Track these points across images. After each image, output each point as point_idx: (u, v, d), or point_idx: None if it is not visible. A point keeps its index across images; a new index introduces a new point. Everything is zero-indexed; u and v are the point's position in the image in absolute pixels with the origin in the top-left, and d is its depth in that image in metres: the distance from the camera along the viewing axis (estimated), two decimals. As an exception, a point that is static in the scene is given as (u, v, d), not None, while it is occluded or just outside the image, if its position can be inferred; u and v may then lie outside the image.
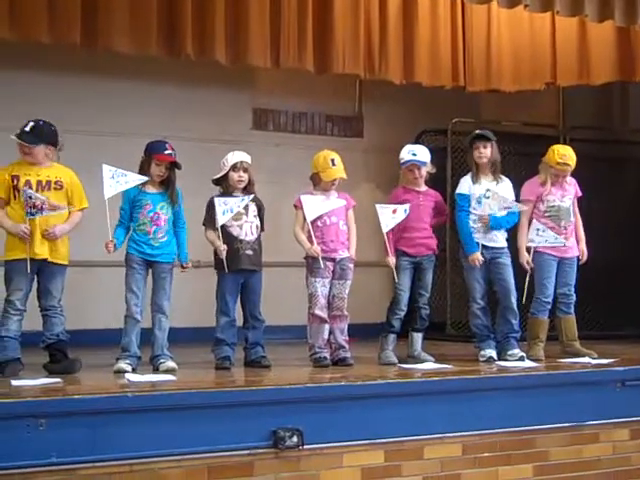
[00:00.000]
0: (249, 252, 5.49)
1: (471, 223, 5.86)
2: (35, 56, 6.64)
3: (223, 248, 5.38)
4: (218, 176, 5.58)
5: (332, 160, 5.60)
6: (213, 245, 5.46)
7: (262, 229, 5.63)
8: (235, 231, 5.49)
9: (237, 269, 5.45)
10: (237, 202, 5.42)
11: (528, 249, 5.90)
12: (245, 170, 5.53)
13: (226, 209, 5.36)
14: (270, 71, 7.27)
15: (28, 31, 6.14)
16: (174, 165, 5.34)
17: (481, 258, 5.75)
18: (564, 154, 6.00)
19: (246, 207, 5.52)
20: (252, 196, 5.50)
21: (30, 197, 4.95)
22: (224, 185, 5.58)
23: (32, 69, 6.82)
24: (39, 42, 6.20)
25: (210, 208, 5.50)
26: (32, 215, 4.95)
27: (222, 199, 5.41)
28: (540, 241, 5.86)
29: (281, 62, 7.01)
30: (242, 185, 5.54)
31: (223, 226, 5.41)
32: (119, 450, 4.14)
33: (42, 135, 5.08)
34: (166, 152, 5.33)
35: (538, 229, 5.87)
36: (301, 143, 7.73)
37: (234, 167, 5.52)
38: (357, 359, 5.61)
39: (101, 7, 6.36)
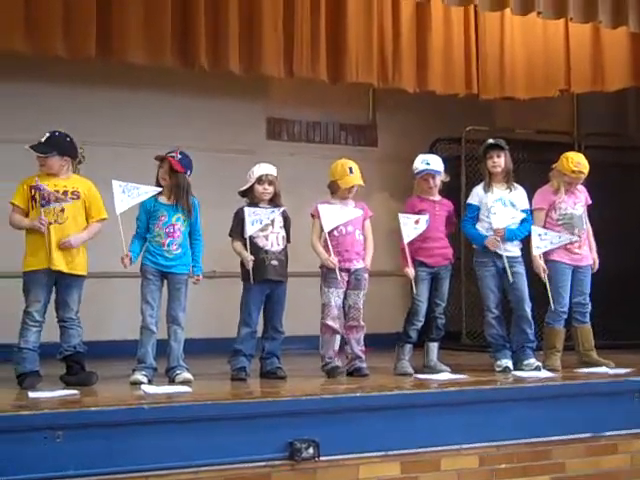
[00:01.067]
0: (275, 262, 5.49)
1: (484, 232, 5.85)
2: (52, 68, 6.67)
3: (250, 259, 5.39)
4: (244, 188, 5.60)
5: (350, 168, 5.61)
6: (240, 256, 5.46)
7: (288, 240, 5.63)
8: (261, 242, 5.50)
9: (263, 279, 5.46)
10: (267, 214, 5.43)
11: (539, 256, 5.86)
12: (270, 183, 5.55)
13: (255, 219, 5.38)
14: (284, 81, 7.29)
15: (43, 44, 6.18)
16: (175, 170, 5.32)
17: (498, 239, 5.71)
18: (578, 162, 5.98)
19: (272, 219, 5.53)
20: (282, 209, 5.51)
21: (40, 189, 4.99)
22: (250, 197, 5.59)
23: (49, 81, 6.84)
24: (54, 55, 6.24)
25: (237, 218, 5.50)
26: (42, 206, 4.98)
27: (252, 209, 5.42)
28: (545, 245, 5.83)
29: (295, 72, 7.02)
30: (267, 197, 5.56)
31: (250, 237, 5.42)
32: (136, 462, 4.15)
33: (56, 145, 5.12)
34: (169, 154, 5.33)
35: (539, 234, 5.83)
36: (315, 152, 7.74)
37: (259, 180, 5.54)
38: (372, 369, 5.61)
39: (115, 19, 6.39)
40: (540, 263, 5.84)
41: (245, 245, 5.44)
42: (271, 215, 5.44)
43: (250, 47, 6.83)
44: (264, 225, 5.42)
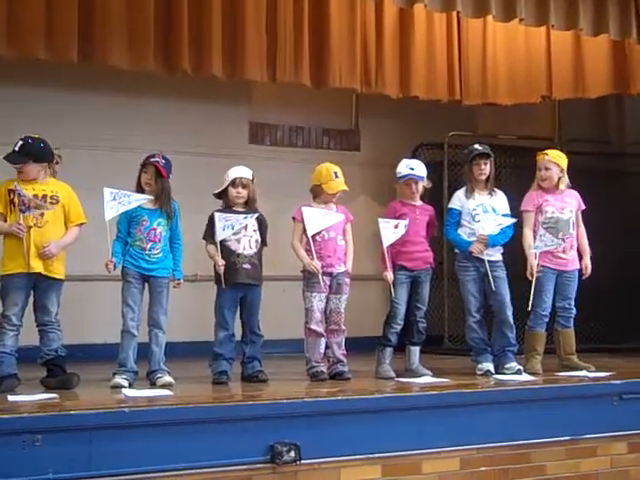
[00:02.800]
0: (247, 266, 5.48)
1: (465, 237, 5.87)
2: (33, 72, 6.65)
3: (221, 264, 5.39)
4: (218, 191, 5.60)
5: (335, 173, 5.63)
6: (212, 259, 5.47)
7: (264, 244, 5.63)
8: (233, 245, 5.48)
9: (234, 283, 5.45)
10: (239, 219, 5.42)
11: (534, 256, 5.87)
12: (244, 186, 5.54)
13: (226, 225, 5.36)
14: (267, 85, 7.31)
15: (25, 48, 6.17)
16: (160, 173, 5.32)
17: (481, 245, 5.74)
18: (542, 151, 6.03)
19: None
20: (256, 215, 5.49)
21: (19, 194, 4.97)
22: (224, 200, 5.59)
23: (30, 85, 6.82)
24: (36, 58, 6.22)
25: (211, 222, 5.50)
26: (23, 212, 4.96)
27: (223, 215, 5.41)
28: (540, 246, 5.85)
29: (278, 76, 7.04)
30: (240, 201, 5.55)
31: (222, 240, 5.42)
32: (116, 466, 4.12)
33: (30, 153, 5.07)
34: (152, 159, 5.33)
35: (541, 235, 5.86)
36: (298, 157, 7.76)
37: (233, 183, 5.54)
38: (354, 373, 5.61)
39: (98, 23, 6.38)
40: (534, 264, 5.83)
41: (217, 249, 5.43)
42: (243, 221, 5.42)
43: (233, 52, 6.84)
44: (235, 230, 5.41)
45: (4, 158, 5.03)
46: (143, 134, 7.10)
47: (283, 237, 5.73)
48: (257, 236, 5.57)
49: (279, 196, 6.95)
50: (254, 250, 5.54)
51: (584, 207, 6.15)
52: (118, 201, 5.14)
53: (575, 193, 6.17)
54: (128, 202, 5.18)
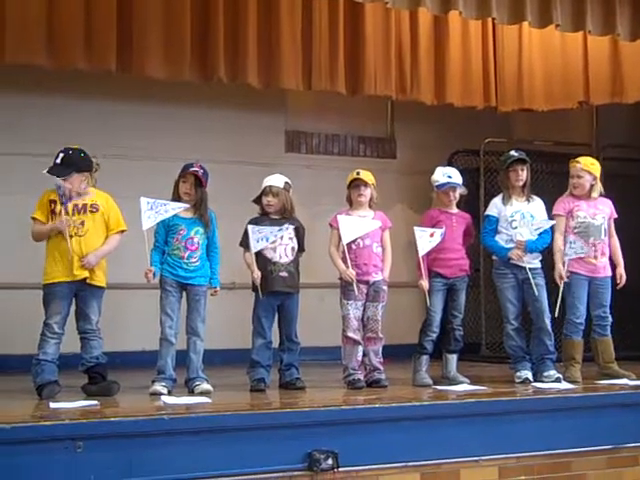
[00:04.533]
0: (284, 274, 5.50)
1: (503, 244, 5.85)
2: (67, 82, 6.74)
3: (257, 275, 5.41)
4: (253, 198, 5.64)
5: (357, 172, 5.65)
6: (249, 269, 5.49)
7: (302, 249, 5.64)
8: (269, 254, 5.51)
9: (271, 291, 5.47)
10: (274, 231, 5.42)
11: (563, 263, 5.83)
12: (275, 195, 5.55)
13: (260, 237, 5.37)
14: (302, 93, 7.32)
15: (65, 58, 6.26)
16: (199, 183, 5.36)
17: (519, 251, 5.71)
18: (575, 159, 6.01)
19: (280, 229, 5.54)
20: (290, 227, 5.49)
21: (59, 187, 5.02)
22: (260, 207, 5.63)
23: (65, 95, 6.91)
24: (75, 69, 6.31)
25: (247, 231, 5.54)
26: (62, 204, 5.02)
27: (256, 227, 5.41)
28: (571, 253, 5.81)
29: (313, 84, 7.06)
30: (272, 209, 5.57)
31: (261, 250, 5.43)
32: (155, 472, 4.15)
33: (73, 164, 5.13)
34: (191, 169, 5.37)
35: (570, 242, 5.83)
36: (334, 165, 7.76)
37: (264, 191, 5.57)
38: (391, 381, 5.61)
39: (135, 34, 6.46)
40: (562, 270, 5.79)
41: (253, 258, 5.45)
42: (278, 233, 5.42)
43: (269, 60, 6.88)
44: (270, 242, 5.42)
45: (48, 172, 5.08)
46: (179, 143, 7.16)
47: (320, 245, 5.74)
48: (293, 244, 5.59)
49: (316, 204, 6.98)
50: (290, 258, 5.55)
51: (616, 216, 6.10)
52: (155, 210, 5.19)
53: (608, 201, 6.13)
54: (165, 211, 5.23)
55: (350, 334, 5.51)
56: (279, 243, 5.53)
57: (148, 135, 7.23)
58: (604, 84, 7.61)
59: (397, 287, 6.41)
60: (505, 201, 5.94)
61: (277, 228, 5.44)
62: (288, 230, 5.52)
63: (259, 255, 5.47)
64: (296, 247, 5.61)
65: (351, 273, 5.48)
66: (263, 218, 5.59)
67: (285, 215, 5.61)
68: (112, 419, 4.20)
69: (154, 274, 5.25)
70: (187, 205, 5.34)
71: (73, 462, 3.99)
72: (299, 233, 5.64)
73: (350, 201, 5.71)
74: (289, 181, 5.65)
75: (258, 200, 5.63)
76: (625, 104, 7.63)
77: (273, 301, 5.52)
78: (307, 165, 7.75)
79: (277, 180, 5.60)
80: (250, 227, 5.41)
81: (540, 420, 5.01)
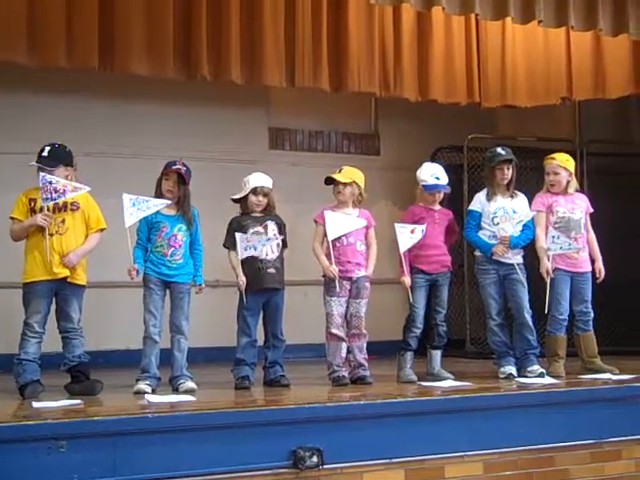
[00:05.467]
0: (271, 270, 5.50)
1: (486, 239, 5.86)
2: (49, 79, 6.69)
3: (242, 282, 5.39)
4: (238, 196, 5.62)
5: (340, 169, 5.65)
6: (234, 271, 5.46)
7: (285, 246, 5.64)
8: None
9: (260, 289, 5.46)
10: (262, 241, 5.41)
11: (547, 258, 5.85)
12: (265, 195, 5.56)
13: (248, 246, 5.36)
14: (286, 90, 7.31)
15: (46, 56, 6.21)
16: (182, 180, 5.34)
17: (504, 247, 5.73)
18: (550, 155, 6.05)
19: (265, 226, 5.54)
20: (275, 239, 5.48)
21: (50, 182, 4.96)
22: (242, 206, 5.61)
23: (47, 92, 6.86)
24: (57, 67, 6.27)
25: (230, 229, 5.52)
26: (53, 200, 4.97)
27: (244, 236, 5.39)
28: (555, 248, 5.83)
29: (296, 81, 7.04)
30: (259, 209, 5.58)
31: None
32: (140, 471, 4.14)
33: (61, 158, 5.15)
34: (174, 167, 5.35)
35: (554, 236, 5.85)
36: (318, 162, 7.75)
37: (254, 191, 5.55)
38: (376, 377, 5.61)
39: (118, 30, 6.42)
40: (547, 266, 5.82)
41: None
42: (266, 243, 5.42)
43: (251, 57, 6.86)
44: (258, 252, 5.40)
45: (38, 162, 5.06)
46: (162, 141, 7.13)
47: (304, 242, 5.74)
48: (278, 240, 5.59)
49: (299, 201, 6.96)
50: (276, 254, 5.55)
51: (592, 210, 6.13)
52: (137, 207, 5.16)
53: (584, 196, 6.19)
54: (147, 207, 5.20)
55: (334, 331, 5.51)
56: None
57: (130, 132, 7.19)
58: (586, 80, 7.64)
59: (381, 284, 6.41)
60: (489, 197, 5.96)
61: (265, 238, 5.45)
62: (270, 222, 5.52)
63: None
64: (281, 243, 5.60)
65: (334, 269, 5.48)
66: (244, 217, 5.58)
67: (268, 213, 5.60)
68: (95, 418, 4.19)
69: (137, 272, 5.22)
70: (170, 202, 5.32)
71: (56, 462, 3.97)
72: (282, 230, 5.64)
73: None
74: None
75: (242, 199, 5.60)
76: (607, 100, 7.66)
77: (259, 299, 5.51)
78: (291, 162, 7.73)
79: (267, 180, 5.61)
80: (238, 236, 5.38)
81: (524, 415, 5.03)
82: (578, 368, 5.99)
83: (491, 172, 5.97)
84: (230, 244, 5.50)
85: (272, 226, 5.57)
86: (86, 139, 6.60)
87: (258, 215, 5.58)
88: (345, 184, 5.61)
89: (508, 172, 5.90)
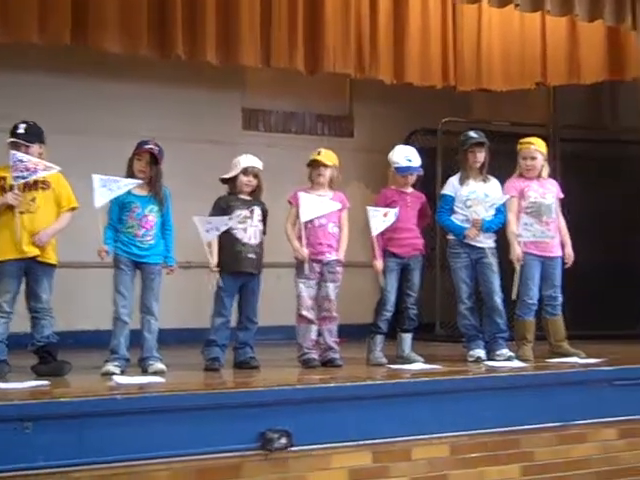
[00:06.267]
0: (251, 255, 5.49)
1: (459, 223, 5.88)
2: (21, 57, 6.61)
3: (215, 268, 5.36)
4: (227, 176, 5.59)
5: (319, 152, 5.64)
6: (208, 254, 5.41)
7: (264, 233, 5.63)
8: (239, 234, 5.48)
9: (238, 271, 5.45)
10: (223, 220, 5.37)
11: (518, 244, 5.88)
12: (255, 176, 5.55)
13: (210, 227, 5.32)
14: (260, 71, 7.28)
15: (18, 32, 6.14)
16: (155, 160, 5.30)
17: (476, 230, 5.76)
18: (526, 140, 6.07)
19: (252, 211, 5.53)
20: (235, 219, 5.42)
21: (21, 160, 4.91)
22: (231, 186, 5.59)
23: (17, 69, 6.77)
24: (29, 43, 6.19)
25: (217, 207, 5.51)
26: (24, 178, 4.92)
27: (205, 218, 5.35)
28: (528, 235, 5.86)
29: (271, 62, 7.02)
30: (249, 189, 5.56)
31: (229, 229, 5.40)
32: (107, 453, 4.12)
33: (37, 135, 5.11)
34: (147, 146, 5.31)
35: (526, 223, 5.88)
36: (292, 143, 7.73)
37: (245, 171, 5.53)
38: (346, 360, 5.62)
39: (91, 7, 6.36)
40: (518, 251, 5.85)
41: (219, 239, 5.40)
42: (229, 222, 5.38)
43: (227, 37, 6.82)
44: (221, 232, 5.37)
45: (17, 136, 4.99)
46: (135, 120, 7.07)
47: (277, 224, 5.72)
48: (262, 226, 5.58)
49: (273, 182, 6.88)
50: (259, 240, 5.55)
51: (562, 196, 6.16)
52: (108, 187, 5.11)
53: (554, 181, 6.22)
54: (118, 187, 5.15)
55: (304, 313, 5.52)
56: (250, 224, 5.51)
57: (103, 112, 7.11)
58: (561, 65, 7.67)
59: (353, 267, 6.41)
60: (462, 181, 5.97)
61: (227, 218, 5.39)
62: (256, 207, 5.51)
63: (229, 235, 5.43)
64: (263, 230, 5.60)
65: (304, 252, 5.48)
66: (232, 197, 5.56)
67: (255, 196, 5.59)
68: (62, 399, 4.16)
69: (107, 252, 5.19)
70: (140, 182, 5.27)
71: (21, 443, 3.93)
72: (265, 217, 5.63)
73: (311, 180, 5.69)
74: None
75: (231, 179, 5.57)
76: (582, 85, 7.70)
77: (237, 281, 5.50)
78: (265, 143, 7.69)
79: (257, 161, 5.60)
80: (197, 219, 5.31)
81: (492, 398, 5.07)
82: (546, 352, 6.04)
83: (464, 155, 5.98)
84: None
85: (258, 212, 5.56)
86: (58, 118, 6.52)
87: (246, 198, 5.56)
88: (327, 166, 5.61)
89: (480, 155, 5.91)
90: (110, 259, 5.28)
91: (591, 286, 7.59)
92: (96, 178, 5.12)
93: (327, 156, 5.65)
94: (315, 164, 5.62)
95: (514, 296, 5.85)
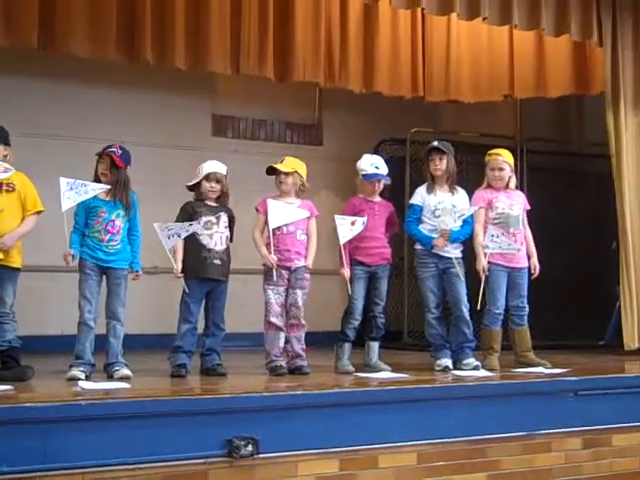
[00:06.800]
0: (217, 262, 5.46)
1: (426, 233, 5.91)
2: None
3: (178, 274, 5.34)
4: (191, 183, 5.57)
5: (282, 159, 5.64)
6: (172, 260, 5.38)
7: (231, 240, 5.61)
8: (205, 240, 5.45)
9: (203, 278, 5.43)
10: (184, 227, 5.33)
11: (484, 255, 5.93)
12: (218, 181, 5.52)
13: (170, 234, 5.27)
14: (230, 78, 7.27)
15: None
16: (116, 164, 5.25)
17: (444, 240, 5.79)
18: (494, 151, 6.13)
19: (218, 217, 5.51)
20: (197, 225, 5.38)
21: None
22: (197, 193, 5.57)
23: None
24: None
25: (183, 212, 5.48)
26: None
27: (164, 225, 5.29)
28: (494, 247, 5.90)
29: (241, 69, 7.01)
30: (214, 195, 5.54)
31: (194, 234, 5.37)
32: (72, 459, 4.07)
33: (2, 136, 5.05)
34: (108, 150, 5.27)
35: (492, 235, 5.91)
36: (260, 150, 7.73)
37: (207, 177, 5.51)
38: (314, 368, 5.61)
39: (59, 11, 6.31)
40: (484, 263, 5.90)
41: (185, 245, 5.38)
42: (190, 228, 5.34)
43: (196, 43, 6.81)
44: (182, 239, 5.33)
45: None
46: (104, 124, 7.03)
47: (244, 230, 5.70)
48: (228, 232, 5.56)
49: (241, 189, 6.88)
50: (224, 246, 5.52)
51: (529, 207, 6.22)
52: (75, 191, 5.06)
53: (521, 193, 6.29)
54: (85, 192, 5.10)
55: (272, 319, 5.50)
56: (215, 230, 5.49)
57: (70, 115, 7.07)
58: (528, 78, 7.78)
59: (321, 274, 6.42)
60: (429, 190, 6.00)
61: (187, 224, 5.36)
62: (222, 213, 5.48)
63: (194, 241, 5.40)
64: (229, 236, 5.57)
65: (272, 258, 5.47)
66: (199, 204, 5.53)
67: (222, 202, 5.57)
68: (27, 404, 4.10)
69: (73, 257, 5.13)
70: (108, 187, 5.23)
71: (-17, 449, 3.89)
72: (232, 223, 5.61)
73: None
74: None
75: (195, 186, 5.55)
76: (548, 99, 7.80)
77: (203, 287, 5.47)
78: (233, 150, 7.69)
79: (221, 167, 5.57)
80: (157, 225, 5.26)
81: (459, 407, 5.07)
82: (512, 361, 6.08)
83: (426, 164, 6.02)
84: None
85: (224, 218, 5.54)
86: (23, 120, 6.46)
87: (213, 205, 5.54)
88: (287, 174, 5.60)
89: (441, 163, 5.93)
90: (75, 263, 5.22)
91: (554, 296, 7.67)
92: (63, 181, 5.06)
93: (290, 163, 5.64)
94: (275, 172, 5.61)
95: (479, 306, 5.88)
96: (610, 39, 6.89)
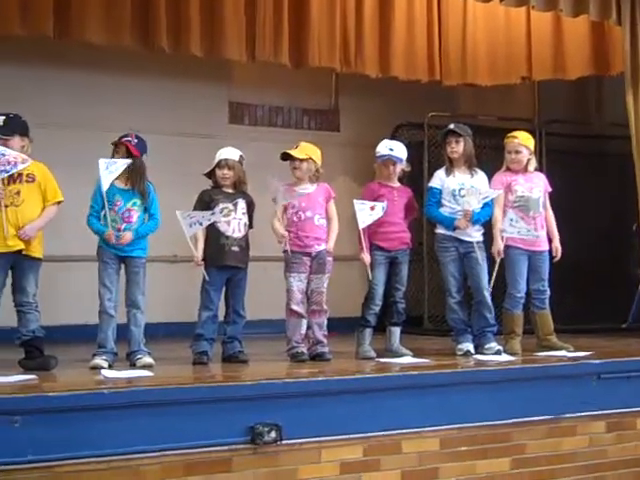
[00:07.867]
0: (235, 249, 5.45)
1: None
2: (5, 48, 6.53)
3: (199, 263, 5.33)
4: (206, 172, 5.56)
5: (297, 145, 5.62)
6: (193, 248, 5.37)
7: (251, 226, 5.59)
8: (223, 227, 5.44)
9: (222, 265, 5.41)
10: (206, 215, 5.32)
11: (501, 238, 5.89)
12: (230, 168, 5.49)
13: (192, 222, 5.26)
14: (246, 65, 7.23)
15: (0, 24, 6.05)
16: (131, 153, 5.24)
17: (466, 221, 5.75)
18: (511, 134, 6.07)
19: (235, 204, 5.49)
20: (218, 212, 5.37)
21: (3, 154, 4.87)
22: (213, 180, 5.56)
23: (6, 62, 6.69)
24: (11, 34, 6.12)
25: (201, 201, 5.47)
26: (7, 172, 4.88)
27: (186, 212, 5.28)
28: (512, 232, 5.87)
29: (257, 55, 6.97)
30: (227, 182, 5.51)
31: (214, 222, 5.35)
32: (95, 447, 4.09)
33: (17, 127, 5.06)
34: (124, 139, 5.26)
35: (512, 219, 5.88)
36: (277, 137, 7.68)
37: (219, 164, 5.50)
38: (335, 354, 5.60)
39: (74, -1, 6.29)
40: (500, 246, 5.86)
41: (205, 232, 5.37)
42: (212, 217, 5.33)
43: (212, 30, 6.77)
44: (204, 227, 5.32)
45: None
46: (121, 113, 7.01)
47: (264, 217, 5.69)
48: (245, 219, 5.53)
49: (258, 176, 6.89)
50: (243, 233, 5.50)
51: (550, 189, 6.17)
52: (109, 169, 5.07)
53: (542, 175, 6.23)
54: (116, 168, 5.12)
55: (294, 307, 5.49)
56: (233, 217, 5.47)
57: (88, 105, 7.06)
58: (546, 60, 7.69)
59: (341, 260, 6.38)
60: (448, 173, 5.96)
61: (209, 212, 5.34)
62: (240, 200, 5.46)
63: (212, 228, 5.38)
64: (248, 222, 5.55)
65: (284, 232, 5.45)
66: (216, 191, 5.52)
67: (239, 189, 5.55)
68: (50, 393, 4.12)
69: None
70: (130, 160, 5.18)
71: (10, 437, 3.89)
72: (250, 208, 5.59)
73: (293, 174, 5.66)
74: (242, 154, 5.58)
75: (211, 173, 5.54)
76: (566, 80, 7.72)
77: (223, 275, 5.46)
78: (250, 137, 7.66)
79: (232, 153, 5.55)
80: (179, 213, 5.24)
81: (481, 392, 5.06)
82: (534, 345, 6.05)
83: (443, 147, 5.98)
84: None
85: (242, 204, 5.52)
86: (41, 110, 6.45)
87: (230, 191, 5.52)
88: (301, 160, 5.58)
89: (457, 145, 5.89)
90: (93, 250, 5.20)
91: (576, 279, 7.62)
92: (102, 162, 5.07)
93: (304, 149, 5.61)
94: (288, 158, 5.58)
95: (490, 287, 5.83)
96: (629, 18, 6.79)
